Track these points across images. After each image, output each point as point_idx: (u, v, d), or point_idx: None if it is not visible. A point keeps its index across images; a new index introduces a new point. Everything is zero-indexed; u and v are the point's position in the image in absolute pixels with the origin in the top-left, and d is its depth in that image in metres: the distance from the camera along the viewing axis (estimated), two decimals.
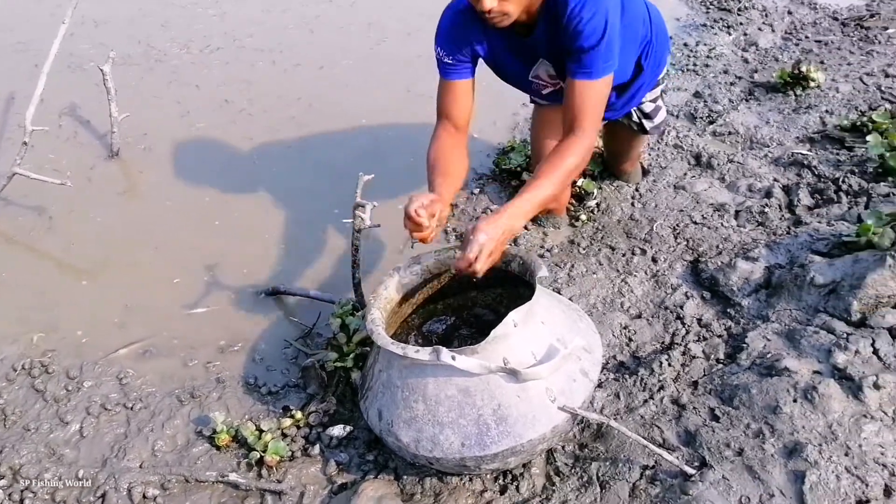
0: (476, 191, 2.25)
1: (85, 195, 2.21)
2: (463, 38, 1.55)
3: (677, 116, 2.60)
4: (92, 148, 2.43)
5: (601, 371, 1.54)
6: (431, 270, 1.60)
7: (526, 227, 2.10)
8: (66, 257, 2.00)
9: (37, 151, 2.28)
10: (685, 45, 3.09)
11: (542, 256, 1.97)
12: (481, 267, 1.34)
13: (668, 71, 1.91)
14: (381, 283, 1.52)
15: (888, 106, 2.42)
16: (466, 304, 1.74)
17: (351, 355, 1.60)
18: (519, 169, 2.25)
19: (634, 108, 1.92)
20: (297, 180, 2.31)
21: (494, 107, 2.62)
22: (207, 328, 1.75)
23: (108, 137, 2.41)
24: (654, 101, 1.95)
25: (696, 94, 2.71)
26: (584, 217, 2.11)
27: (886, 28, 3.00)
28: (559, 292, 1.83)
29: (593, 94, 1.46)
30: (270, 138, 2.49)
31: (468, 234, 1.34)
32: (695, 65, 2.92)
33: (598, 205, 2.15)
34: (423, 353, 1.21)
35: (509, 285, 1.63)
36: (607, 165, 2.24)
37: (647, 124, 1.96)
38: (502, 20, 1.42)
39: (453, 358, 1.20)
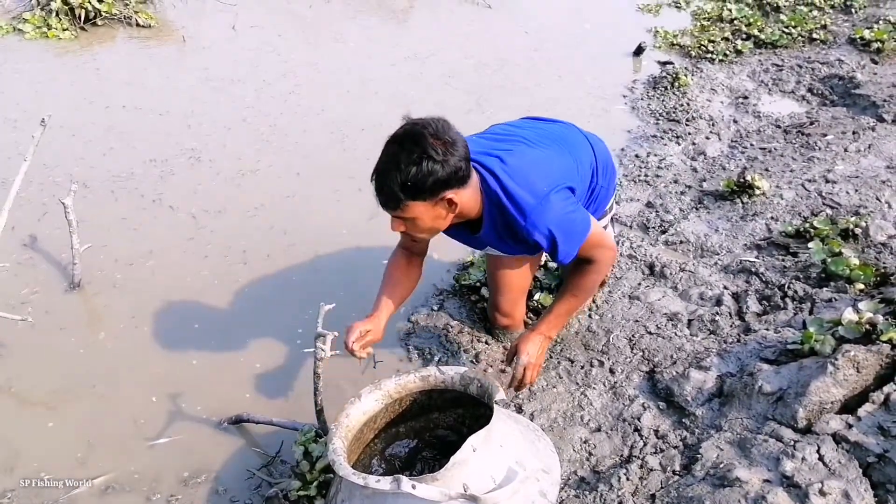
0: (436, 307, 2.47)
1: (44, 329, 2.36)
2: None
3: (630, 227, 2.91)
4: (53, 280, 2.62)
5: (561, 489, 1.69)
6: (392, 395, 1.78)
7: (487, 343, 2.31)
8: (24, 392, 2.12)
9: None
10: (636, 156, 3.48)
11: (502, 371, 2.16)
12: (530, 381, 1.85)
13: (614, 203, 2.19)
14: (342, 410, 1.69)
15: (829, 212, 2.76)
16: (428, 426, 1.90)
17: (314, 483, 1.72)
18: (479, 284, 2.49)
19: None
20: (262, 305, 2.50)
21: None
22: (170, 459, 1.87)
23: (70, 269, 2.60)
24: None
25: (649, 205, 3.05)
26: None
27: (825, 135, 3.45)
28: (520, 408, 2.00)
29: (586, 250, 1.72)
30: (236, 260, 2.71)
31: (512, 355, 1.83)
32: (646, 175, 3.29)
33: None
34: (384, 483, 1.36)
35: (470, 405, 1.80)
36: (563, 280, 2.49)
37: None
38: (416, 240, 1.75)
39: (413, 487, 1.35)
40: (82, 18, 4.37)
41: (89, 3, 4.38)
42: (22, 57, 4.05)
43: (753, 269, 2.47)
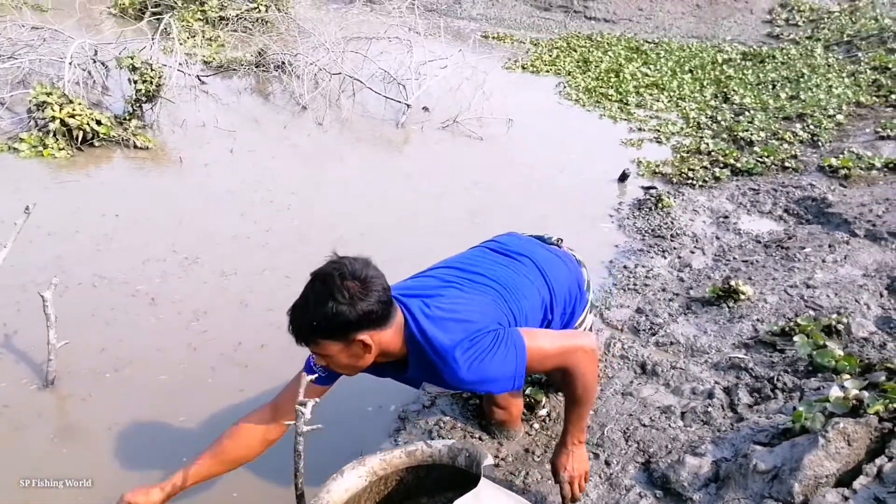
0: (427, 403, 2.55)
1: (10, 429, 2.40)
2: None
3: (622, 330, 3.09)
4: (26, 378, 2.69)
5: None
6: (377, 472, 1.83)
7: (480, 438, 2.38)
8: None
9: None
10: (625, 267, 3.75)
11: (496, 466, 2.21)
12: (581, 491, 1.94)
13: (586, 314, 2.32)
14: (323, 486, 1.73)
15: (811, 312, 2.98)
16: None
17: None
18: None
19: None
20: (242, 395, 2.57)
21: None
22: None
23: (45, 366, 2.68)
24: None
25: (638, 310, 3.26)
26: (536, 426, 2.42)
27: (803, 248, 3.77)
28: None
29: (555, 361, 1.79)
30: (216, 356, 2.81)
31: (556, 476, 1.93)
32: (635, 284, 3.53)
33: (548, 414, 2.47)
34: None
35: (460, 488, 1.85)
36: (553, 380, 2.60)
37: None
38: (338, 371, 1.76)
39: None
40: (79, 139, 4.77)
41: (87, 125, 4.81)
42: (15, 173, 4.38)
43: (743, 365, 2.62)
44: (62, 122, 4.74)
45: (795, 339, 2.63)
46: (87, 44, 5.72)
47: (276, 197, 4.33)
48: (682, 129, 6.39)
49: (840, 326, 2.71)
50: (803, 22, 11.10)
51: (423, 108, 6.39)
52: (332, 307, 1.56)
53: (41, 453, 2.29)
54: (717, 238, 4.12)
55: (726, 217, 4.40)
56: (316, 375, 1.77)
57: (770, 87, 7.76)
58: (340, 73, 6.45)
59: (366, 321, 1.60)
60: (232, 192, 4.37)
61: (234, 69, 6.91)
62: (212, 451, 1.81)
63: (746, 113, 6.70)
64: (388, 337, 1.67)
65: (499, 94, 6.57)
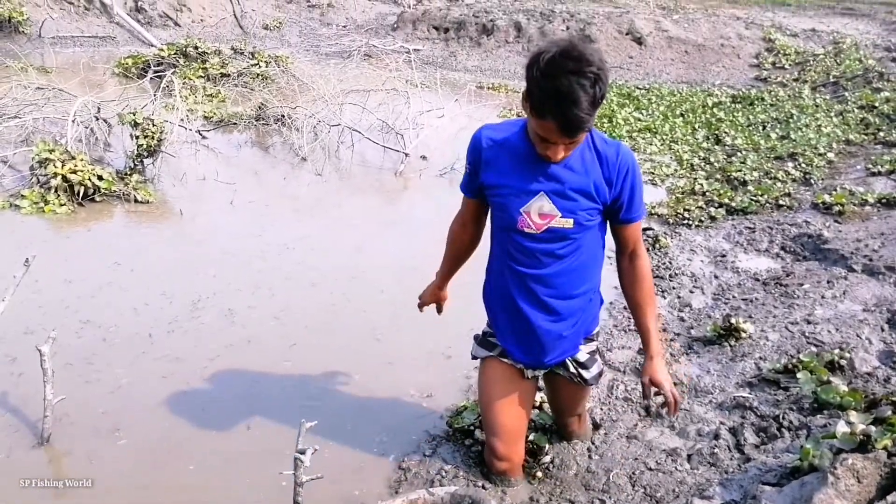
0: (428, 453, 2.51)
1: (9, 487, 2.35)
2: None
3: (624, 372, 3.05)
4: (21, 434, 2.64)
5: None
6: None
7: (483, 487, 2.32)
8: None
9: None
10: (625, 308, 3.73)
11: None
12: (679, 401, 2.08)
13: (599, 331, 2.38)
14: None
15: (813, 349, 2.95)
16: None
17: None
18: (472, 427, 2.56)
19: (569, 357, 2.28)
20: (238, 444, 2.53)
21: (448, 368, 3.05)
22: None
23: (41, 423, 2.64)
24: (591, 353, 2.29)
25: (640, 352, 3.22)
26: (539, 474, 2.37)
27: (802, 284, 3.76)
28: None
29: (639, 230, 2.08)
30: (210, 404, 2.78)
31: (649, 389, 2.08)
32: (635, 326, 3.51)
33: (552, 460, 2.42)
34: None
35: None
36: (557, 426, 2.57)
37: (585, 374, 2.27)
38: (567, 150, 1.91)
39: None
40: (81, 195, 4.82)
41: (89, 180, 4.87)
42: (16, 229, 4.41)
43: (747, 405, 2.58)
44: (64, 178, 4.80)
45: (799, 375, 2.60)
46: (90, 102, 5.84)
47: (273, 249, 4.35)
48: (675, 170, 6.47)
49: (843, 362, 2.69)
50: (789, 65, 11.35)
51: (421, 156, 6.48)
52: (594, 83, 1.67)
53: None
54: (716, 277, 4.12)
55: (723, 256, 4.41)
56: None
57: (760, 128, 7.88)
58: (339, 125, 6.57)
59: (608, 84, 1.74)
60: (230, 243, 4.39)
61: (235, 123, 7.03)
62: (454, 259, 2.40)
63: (739, 154, 6.79)
64: None
65: None
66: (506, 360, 2.19)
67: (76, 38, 11.78)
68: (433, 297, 2.46)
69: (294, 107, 6.82)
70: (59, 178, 4.78)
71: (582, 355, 2.26)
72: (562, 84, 1.67)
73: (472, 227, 2.29)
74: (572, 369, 2.25)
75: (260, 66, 9.02)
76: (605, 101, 1.82)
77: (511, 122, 2.01)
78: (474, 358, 2.31)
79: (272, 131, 6.91)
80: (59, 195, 4.77)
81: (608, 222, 2.09)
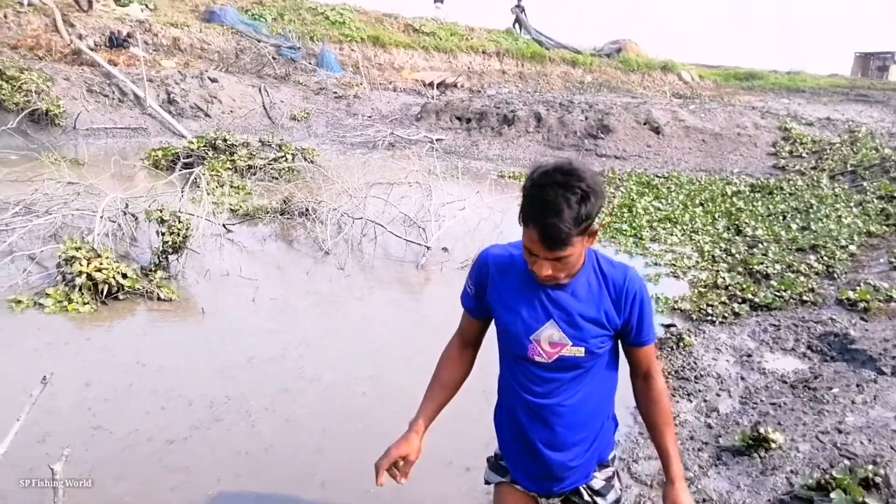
0: None
1: None
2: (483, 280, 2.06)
3: (651, 486, 2.99)
4: None
5: None
6: None
7: None
8: None
9: None
10: None
11: None
12: None
13: (615, 455, 2.31)
14: None
15: (846, 462, 2.87)
16: None
17: None
18: None
19: (583, 485, 2.13)
20: None
21: (467, 481, 3.01)
22: None
23: None
24: (607, 479, 2.16)
25: None
26: None
27: (831, 388, 3.70)
28: None
29: (652, 352, 2.01)
30: None
31: None
32: None
33: None
34: None
35: None
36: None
37: (601, 502, 2.12)
38: (555, 283, 1.91)
39: None
40: (104, 293, 4.95)
41: (113, 278, 5.01)
42: (39, 329, 4.51)
43: None
44: (88, 277, 4.94)
45: (833, 495, 2.53)
46: (118, 198, 6.10)
47: (294, 349, 4.40)
48: (697, 262, 6.50)
49: (878, 479, 2.61)
50: (807, 153, 11.55)
51: (443, 248, 6.61)
52: (595, 196, 1.72)
53: None
54: (742, 378, 4.07)
55: (749, 356, 4.36)
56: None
57: (780, 217, 7.96)
58: (362, 218, 6.75)
59: (599, 208, 1.76)
60: (251, 343, 4.45)
61: (260, 217, 7.27)
62: (438, 384, 2.16)
63: (760, 245, 6.83)
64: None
65: (516, 232, 6.73)
66: (519, 487, 2.15)
67: (109, 130, 12.39)
68: (405, 449, 2.00)
69: (319, 201, 7.05)
70: (84, 276, 4.92)
71: (597, 482, 2.14)
72: (548, 194, 1.74)
73: (472, 350, 2.24)
74: (587, 497, 2.13)
75: (287, 159, 9.38)
76: (599, 218, 1.81)
77: (518, 242, 1.99)
78: (487, 483, 2.26)
79: (296, 224, 7.12)
80: (82, 293, 4.90)
81: (620, 343, 2.09)
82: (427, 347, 4.57)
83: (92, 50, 13.98)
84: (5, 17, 14.13)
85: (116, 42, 14.81)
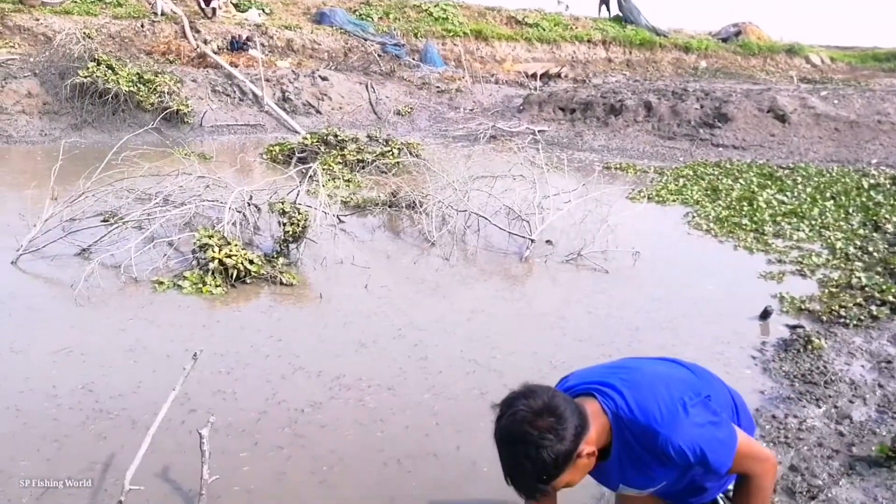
0: None
1: None
2: None
3: (774, 491, 2.87)
4: None
5: None
6: None
7: None
8: None
9: None
10: (773, 416, 3.53)
11: None
12: None
13: None
14: None
15: None
16: None
17: None
18: None
19: (721, 495, 2.11)
20: None
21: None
22: None
23: (196, 500, 2.91)
24: None
25: (792, 468, 3.03)
26: None
27: None
28: None
29: (738, 465, 1.79)
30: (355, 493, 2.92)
31: None
32: (786, 437, 3.31)
33: None
34: None
35: None
36: None
37: None
38: None
39: None
40: (233, 277, 5.36)
41: (242, 264, 5.41)
42: (179, 308, 4.96)
43: None
44: (220, 262, 5.37)
45: None
46: (244, 190, 6.54)
47: (406, 331, 4.61)
48: (828, 260, 6.10)
49: None
50: None
51: (547, 241, 6.59)
52: (549, 452, 1.61)
53: None
54: (881, 386, 3.80)
55: (889, 362, 4.07)
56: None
57: None
58: (466, 211, 6.86)
59: (579, 437, 1.65)
60: (367, 326, 4.68)
61: (370, 209, 7.55)
62: None
63: None
64: (595, 431, 1.72)
65: (624, 226, 6.66)
66: None
67: (231, 127, 13.26)
68: None
69: (424, 194, 7.22)
70: (216, 261, 5.35)
71: None
72: (503, 454, 1.71)
73: None
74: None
75: (393, 154, 9.68)
76: (568, 461, 1.66)
77: None
78: None
79: (403, 216, 7.34)
80: (215, 277, 5.33)
81: None
82: (533, 337, 4.64)
83: (215, 53, 14.99)
84: (142, 26, 15.43)
85: (237, 45, 15.80)
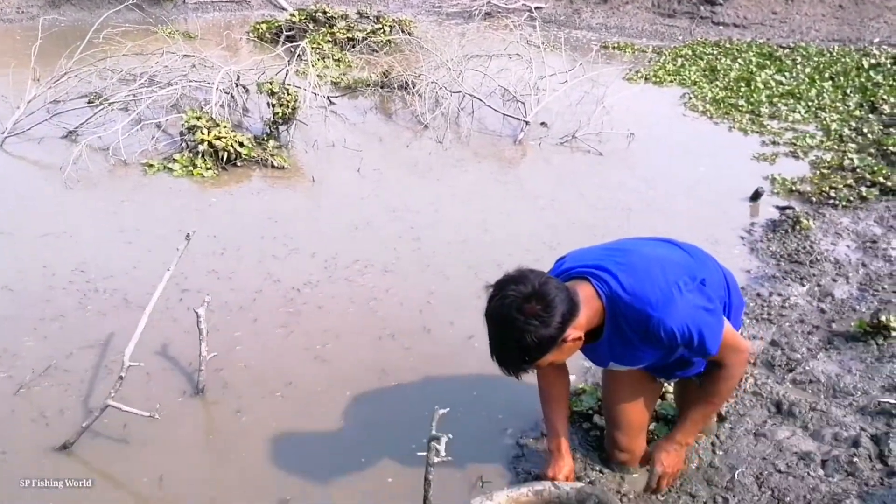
0: (546, 432, 2.56)
1: (169, 429, 2.67)
2: None
3: (754, 364, 2.93)
4: (179, 385, 2.97)
5: None
6: None
7: (601, 471, 2.34)
8: (150, 491, 2.37)
9: (127, 385, 2.82)
10: (758, 295, 3.55)
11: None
12: (666, 488, 2.05)
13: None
14: None
15: None
16: None
17: None
18: (591, 412, 2.58)
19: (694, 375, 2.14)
20: (375, 415, 2.70)
21: None
22: None
23: (196, 375, 2.95)
24: None
25: (773, 343, 3.08)
26: None
27: None
28: None
29: (726, 346, 1.81)
30: (352, 379, 2.97)
31: (647, 461, 2.00)
32: (769, 314, 3.34)
33: None
34: None
35: None
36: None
37: None
38: None
39: None
40: (224, 160, 5.21)
41: (232, 147, 5.23)
42: (170, 190, 4.86)
43: (895, 412, 2.41)
44: (210, 144, 5.19)
45: None
46: (231, 70, 6.22)
47: (400, 213, 4.54)
48: (821, 142, 5.96)
49: None
50: None
51: (542, 123, 6.39)
52: (533, 336, 1.62)
53: (198, 448, 2.53)
54: (864, 265, 3.81)
55: (874, 242, 4.05)
56: None
57: None
58: (460, 92, 6.59)
59: (566, 323, 1.66)
60: (361, 208, 4.61)
61: (361, 90, 7.25)
62: (554, 402, 2.09)
63: None
64: (585, 316, 1.73)
65: (619, 107, 6.44)
66: None
67: (216, 4, 12.51)
68: (566, 471, 1.99)
69: (417, 74, 6.91)
70: (206, 143, 5.17)
71: None
72: (490, 333, 1.72)
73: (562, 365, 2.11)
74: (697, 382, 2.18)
75: (385, 32, 9.18)
76: (552, 343, 1.67)
77: None
78: None
79: (396, 97, 7.06)
80: (205, 160, 5.18)
81: None
82: (527, 219, 4.59)
83: None
84: None
85: None
